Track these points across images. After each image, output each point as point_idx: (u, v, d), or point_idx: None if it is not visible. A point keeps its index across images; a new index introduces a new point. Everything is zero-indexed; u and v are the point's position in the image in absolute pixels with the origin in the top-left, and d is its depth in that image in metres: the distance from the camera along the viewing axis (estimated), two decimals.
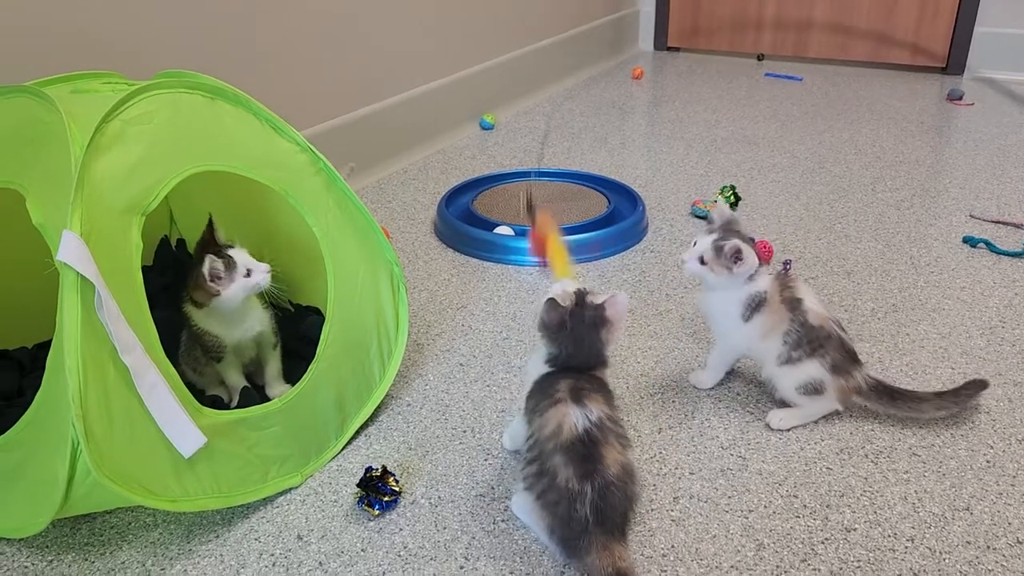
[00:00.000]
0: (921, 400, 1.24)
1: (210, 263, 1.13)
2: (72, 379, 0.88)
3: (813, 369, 1.21)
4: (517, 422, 1.14)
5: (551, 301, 1.03)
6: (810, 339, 1.21)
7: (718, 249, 1.21)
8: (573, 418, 0.96)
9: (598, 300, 1.04)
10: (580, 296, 1.04)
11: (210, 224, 1.19)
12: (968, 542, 1.03)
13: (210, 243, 1.18)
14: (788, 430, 1.24)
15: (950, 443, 1.21)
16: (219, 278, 1.15)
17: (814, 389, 1.22)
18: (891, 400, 1.24)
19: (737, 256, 1.19)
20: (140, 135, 1.00)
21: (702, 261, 1.22)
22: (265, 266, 1.18)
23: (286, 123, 1.17)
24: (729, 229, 1.23)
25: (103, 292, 0.90)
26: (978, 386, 1.26)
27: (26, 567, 1.01)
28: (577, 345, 1.03)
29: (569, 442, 0.94)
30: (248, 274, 1.17)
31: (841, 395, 1.23)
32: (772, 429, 1.24)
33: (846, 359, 1.22)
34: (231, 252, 1.16)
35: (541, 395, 1.02)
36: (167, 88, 1.05)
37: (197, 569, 1.01)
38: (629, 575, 0.92)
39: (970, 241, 1.86)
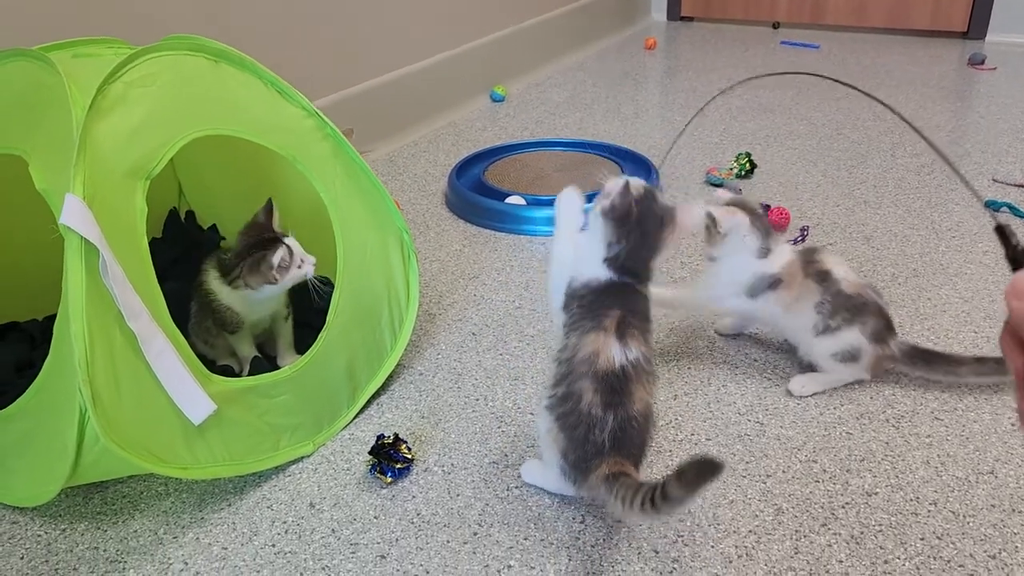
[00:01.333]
0: (959, 363, 1.20)
1: (282, 255, 1.13)
2: (78, 345, 0.87)
3: (852, 337, 1.18)
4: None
5: (626, 185, 0.97)
6: (847, 307, 1.18)
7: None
8: (612, 351, 0.93)
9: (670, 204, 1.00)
10: (650, 192, 0.99)
11: (268, 208, 1.18)
12: (993, 505, 1.01)
13: (265, 227, 1.17)
14: (809, 396, 1.22)
15: (973, 407, 1.18)
16: (285, 269, 1.15)
17: (851, 356, 1.19)
18: (927, 364, 1.21)
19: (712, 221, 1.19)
20: (142, 97, 0.98)
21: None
22: (313, 258, 1.18)
23: (292, 87, 1.15)
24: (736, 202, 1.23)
25: (107, 256, 0.88)
26: None
27: (39, 535, 1.01)
28: (642, 239, 0.97)
29: (603, 372, 0.92)
30: (300, 264, 1.17)
31: (875, 363, 1.21)
32: (793, 395, 1.22)
33: (885, 327, 1.20)
34: (289, 242, 1.16)
35: (588, 312, 0.97)
36: (170, 50, 1.03)
37: (210, 537, 1.00)
38: (628, 474, 0.90)
39: (993, 205, 1.81)
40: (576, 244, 1.01)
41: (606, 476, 0.91)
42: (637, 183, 0.99)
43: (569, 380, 0.94)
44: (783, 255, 1.21)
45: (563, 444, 0.95)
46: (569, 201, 1.03)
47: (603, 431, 0.92)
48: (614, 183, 0.98)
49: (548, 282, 1.04)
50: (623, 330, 0.95)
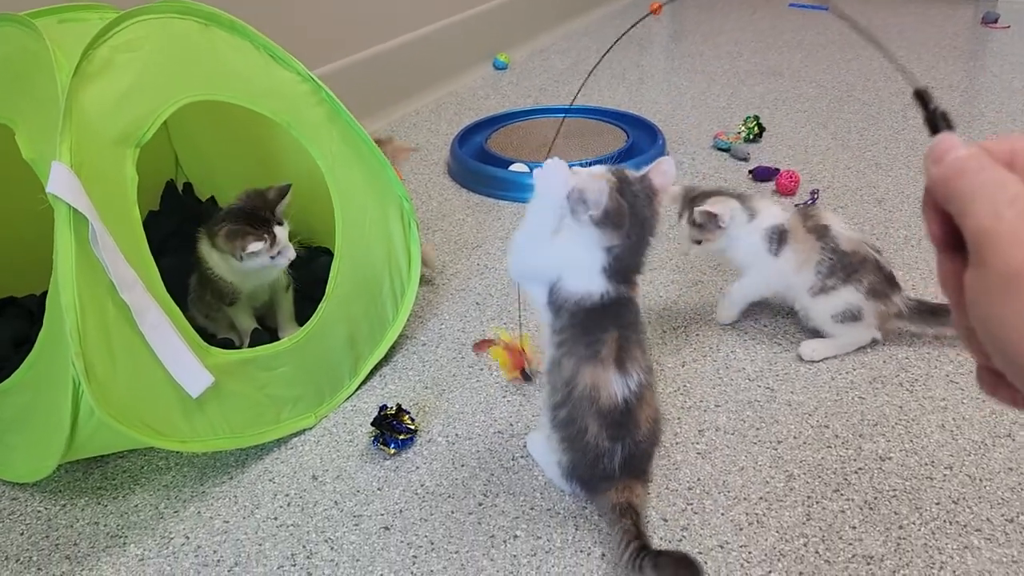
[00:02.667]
0: None
1: (259, 247, 1.09)
2: (69, 316, 0.84)
3: (849, 295, 1.16)
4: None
5: (609, 185, 0.86)
6: (844, 265, 1.15)
7: (693, 224, 1.19)
8: (614, 387, 0.89)
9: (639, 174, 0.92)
10: (621, 175, 0.90)
11: (284, 191, 1.14)
12: (1010, 468, 0.98)
13: (270, 204, 1.13)
14: (819, 361, 1.19)
15: None
16: (256, 255, 1.11)
17: (851, 316, 1.16)
18: (935, 318, 1.19)
19: (710, 217, 1.17)
20: (130, 62, 0.95)
21: (698, 242, 1.21)
22: (292, 252, 1.14)
23: (286, 52, 1.12)
24: (691, 197, 1.21)
25: (97, 225, 0.86)
26: None
27: (39, 511, 1.00)
28: (639, 230, 0.89)
29: (607, 408, 0.89)
30: (276, 255, 1.13)
31: (880, 320, 1.18)
32: (803, 361, 1.19)
33: (884, 283, 1.17)
34: (277, 231, 1.12)
35: (581, 333, 0.89)
36: (158, 13, 1.00)
37: (211, 510, 0.99)
38: (637, 511, 0.89)
39: None
40: (560, 248, 0.90)
41: (612, 506, 0.90)
42: (602, 173, 0.89)
43: (570, 408, 0.91)
44: (771, 208, 1.20)
45: (570, 461, 0.93)
46: (555, 173, 0.89)
47: (612, 460, 0.90)
48: (594, 187, 0.85)
49: (516, 254, 0.94)
50: (622, 356, 0.89)
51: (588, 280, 0.90)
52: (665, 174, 0.91)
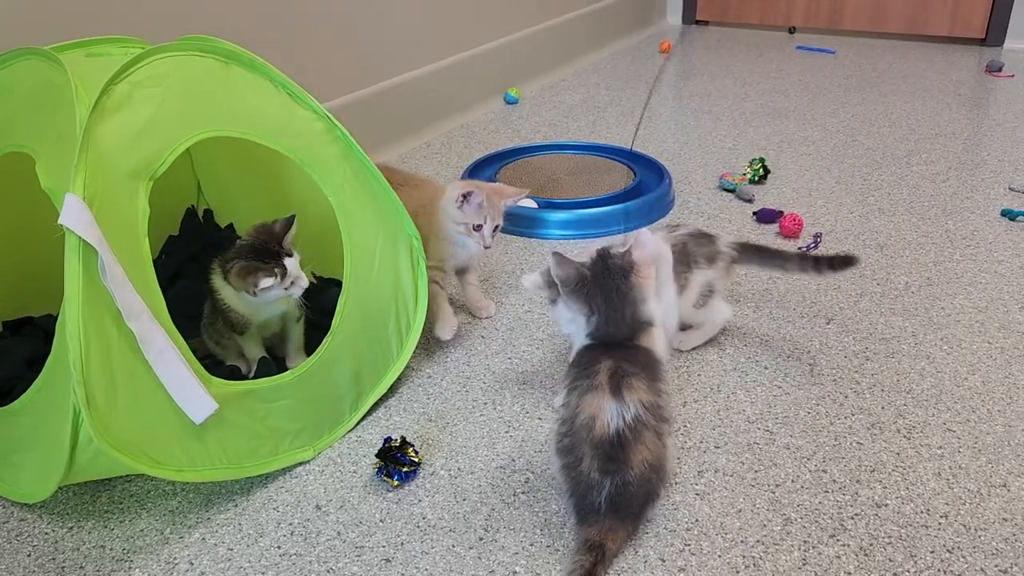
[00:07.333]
0: (785, 259, 1.33)
1: (271, 282, 1.11)
2: (73, 345, 0.86)
3: (700, 276, 1.28)
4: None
5: (556, 255, 1.00)
6: (682, 261, 1.26)
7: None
8: (607, 415, 0.92)
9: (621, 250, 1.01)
10: (602, 251, 1.01)
11: (289, 222, 1.16)
12: (1005, 519, 0.99)
13: (277, 238, 1.15)
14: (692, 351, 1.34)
15: (987, 419, 1.17)
16: (269, 289, 1.13)
17: (707, 294, 1.30)
18: (759, 257, 1.34)
19: None
20: (149, 98, 0.98)
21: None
22: (305, 281, 1.16)
23: (303, 90, 1.15)
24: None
25: (106, 257, 0.88)
26: (846, 262, 1.31)
27: (46, 533, 1.02)
28: (608, 301, 0.98)
29: (599, 439, 0.92)
30: (290, 285, 1.15)
31: (726, 275, 1.32)
32: (682, 352, 1.34)
33: (705, 244, 1.29)
34: (288, 262, 1.14)
35: (580, 370, 0.98)
36: (179, 51, 1.03)
37: (216, 537, 1.00)
38: (604, 554, 0.91)
39: (1009, 214, 1.79)
40: (564, 318, 1.06)
41: (584, 540, 0.93)
42: (588, 251, 1.02)
43: (573, 438, 0.95)
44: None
45: (569, 487, 0.96)
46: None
47: (600, 494, 0.93)
48: (552, 262, 1.00)
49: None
50: (617, 382, 0.94)
51: (582, 341, 1.03)
52: (643, 246, 0.99)
